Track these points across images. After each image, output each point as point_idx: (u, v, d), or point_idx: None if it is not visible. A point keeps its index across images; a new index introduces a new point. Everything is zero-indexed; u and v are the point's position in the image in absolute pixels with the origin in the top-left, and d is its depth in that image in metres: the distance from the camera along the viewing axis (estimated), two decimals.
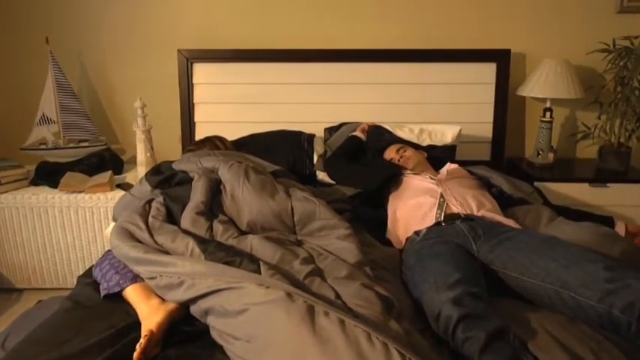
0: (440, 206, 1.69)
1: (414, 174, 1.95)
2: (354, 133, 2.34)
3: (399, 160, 2.10)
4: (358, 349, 0.92)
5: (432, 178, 1.88)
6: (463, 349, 1.10)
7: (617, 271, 1.19)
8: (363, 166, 2.17)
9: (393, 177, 1.96)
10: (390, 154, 2.16)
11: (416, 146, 2.26)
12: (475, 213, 1.66)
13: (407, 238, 1.65)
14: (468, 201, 1.72)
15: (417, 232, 1.61)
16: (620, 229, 1.76)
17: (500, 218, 1.67)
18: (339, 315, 0.99)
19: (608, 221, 1.79)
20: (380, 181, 1.93)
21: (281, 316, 0.99)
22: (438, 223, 1.62)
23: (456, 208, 1.68)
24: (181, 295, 1.17)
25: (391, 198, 1.91)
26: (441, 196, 1.74)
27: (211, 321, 1.12)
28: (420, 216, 1.69)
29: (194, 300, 1.16)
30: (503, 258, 1.39)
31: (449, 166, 2.05)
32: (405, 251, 1.59)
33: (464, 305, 1.16)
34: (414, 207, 1.75)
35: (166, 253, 1.34)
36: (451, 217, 1.62)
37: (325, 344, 0.93)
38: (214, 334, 1.12)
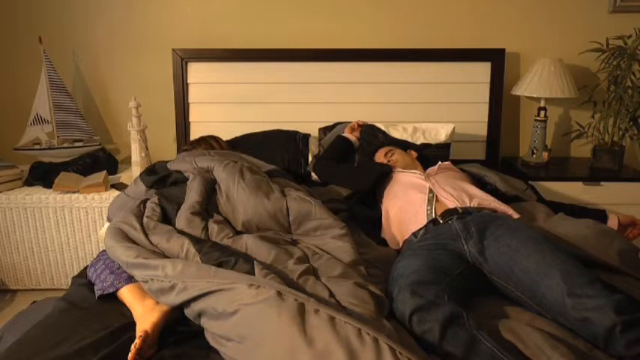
0: (429, 201, 1.69)
1: (403, 171, 1.96)
2: (342, 134, 2.34)
3: (388, 162, 2.09)
4: (349, 345, 0.93)
5: (419, 174, 1.89)
6: (422, 341, 1.12)
7: (580, 297, 1.16)
8: (352, 166, 2.16)
9: (384, 176, 1.96)
10: (379, 158, 2.15)
11: (408, 145, 2.26)
12: (469, 203, 1.66)
13: (404, 240, 1.65)
14: (458, 191, 1.71)
15: (414, 234, 1.61)
16: (612, 221, 1.77)
17: (496, 204, 1.67)
18: (329, 312, 1.00)
19: (600, 215, 1.80)
20: (372, 181, 1.93)
21: (272, 316, 0.99)
22: (434, 221, 1.61)
23: (447, 201, 1.67)
24: (173, 299, 1.17)
25: (384, 196, 1.91)
26: (430, 191, 1.74)
27: (204, 323, 1.12)
28: (413, 213, 1.69)
29: (187, 303, 1.16)
30: (491, 263, 1.38)
31: (440, 164, 2.05)
32: (401, 253, 1.59)
33: (414, 295, 1.18)
34: (405, 205, 1.74)
35: (160, 254, 1.34)
36: (449, 214, 1.60)
37: (316, 342, 0.94)
38: (208, 337, 1.12)
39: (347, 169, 2.12)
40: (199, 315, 1.14)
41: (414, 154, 2.18)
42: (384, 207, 1.86)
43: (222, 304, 1.06)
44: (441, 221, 1.59)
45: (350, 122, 2.43)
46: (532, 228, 1.50)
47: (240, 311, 1.03)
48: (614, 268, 1.45)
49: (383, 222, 1.82)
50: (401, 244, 1.67)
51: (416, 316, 1.14)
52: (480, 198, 1.69)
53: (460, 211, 1.60)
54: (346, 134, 2.32)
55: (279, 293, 1.04)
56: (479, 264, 1.41)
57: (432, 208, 1.66)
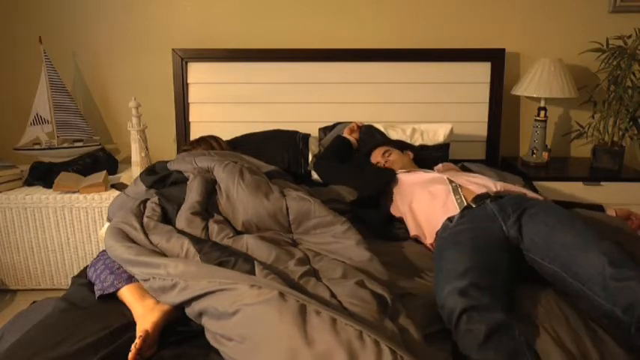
0: (455, 191, 1.68)
1: (407, 172, 1.95)
2: (341, 134, 2.33)
3: (384, 164, 2.09)
4: (350, 347, 0.93)
5: (427, 170, 1.88)
6: (464, 340, 1.11)
7: (621, 267, 1.19)
8: (353, 167, 2.15)
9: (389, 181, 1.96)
10: (377, 157, 2.15)
11: (405, 145, 2.26)
12: (493, 189, 1.65)
13: (437, 232, 1.63)
14: (477, 179, 1.72)
15: (450, 219, 1.59)
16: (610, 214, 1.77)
17: (521, 189, 1.68)
18: (330, 314, 1.00)
19: (598, 209, 1.80)
20: (378, 188, 1.92)
21: (273, 316, 0.99)
22: (468, 207, 1.60)
23: (474, 187, 1.67)
24: (174, 297, 1.17)
25: (394, 196, 1.89)
26: (450, 181, 1.73)
27: (205, 322, 1.12)
28: (440, 205, 1.67)
29: (188, 302, 1.16)
30: (527, 240, 1.40)
31: (443, 164, 2.05)
32: (437, 239, 1.59)
33: (468, 296, 1.17)
34: (429, 197, 1.72)
35: (161, 253, 1.34)
36: (480, 198, 1.60)
37: (317, 343, 0.94)
38: (208, 336, 1.11)
39: (348, 171, 2.10)
40: (200, 314, 1.14)
41: (411, 154, 2.18)
42: (403, 205, 1.83)
43: (223, 303, 1.06)
44: (474, 206, 1.58)
45: (350, 122, 2.43)
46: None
47: (242, 311, 1.03)
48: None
49: (409, 221, 1.78)
50: (434, 237, 1.65)
51: (466, 315, 1.13)
52: (503, 184, 1.69)
53: (492, 194, 1.60)
54: (346, 135, 2.32)
55: (281, 294, 1.03)
56: (517, 243, 1.42)
57: (460, 197, 1.65)
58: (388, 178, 1.95)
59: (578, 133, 2.65)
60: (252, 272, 1.19)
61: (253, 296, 1.04)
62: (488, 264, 1.32)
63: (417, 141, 2.35)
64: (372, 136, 2.33)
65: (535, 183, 2.32)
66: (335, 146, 2.27)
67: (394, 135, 2.36)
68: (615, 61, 2.46)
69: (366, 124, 2.41)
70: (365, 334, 0.95)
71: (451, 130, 2.38)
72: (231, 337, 1.04)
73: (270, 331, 0.98)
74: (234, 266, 1.23)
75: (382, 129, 2.37)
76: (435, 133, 2.37)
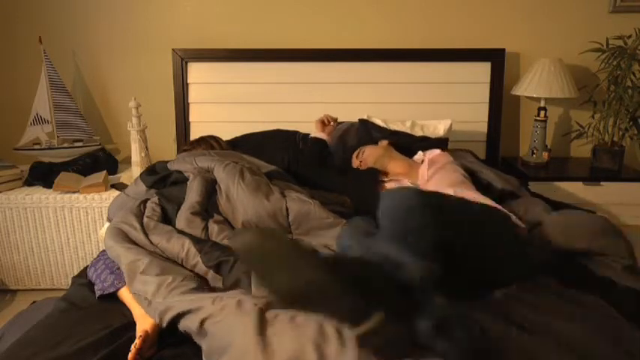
0: None
1: (390, 180, 1.93)
2: (316, 136, 2.29)
3: (360, 164, 2.08)
4: (314, 342, 0.92)
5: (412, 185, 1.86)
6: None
7: None
8: (344, 178, 2.12)
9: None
10: (355, 163, 2.14)
11: (407, 137, 2.26)
12: None
13: None
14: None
15: None
16: None
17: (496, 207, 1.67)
18: (289, 313, 0.99)
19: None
20: (371, 202, 1.89)
21: (238, 328, 0.98)
22: None
23: None
24: (159, 321, 1.16)
25: None
26: None
27: (195, 340, 1.11)
28: None
29: (172, 324, 1.14)
30: None
31: (430, 155, 2.02)
32: None
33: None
34: None
35: (161, 256, 1.34)
36: None
37: (282, 350, 0.92)
38: (204, 356, 1.11)
39: (340, 182, 2.06)
40: (187, 333, 1.13)
41: (384, 142, 2.16)
42: None
43: (194, 323, 1.06)
44: None
45: (349, 122, 2.42)
46: None
47: (211, 328, 1.03)
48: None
49: None
50: None
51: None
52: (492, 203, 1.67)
53: None
54: (319, 135, 2.29)
55: (238, 302, 1.03)
56: None
57: None
58: (373, 183, 1.92)
59: (578, 133, 2.65)
60: (249, 271, 1.19)
61: (217, 311, 1.04)
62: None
63: (418, 134, 2.34)
64: (367, 133, 2.32)
65: (535, 183, 2.32)
66: (315, 152, 2.23)
67: (394, 128, 2.35)
68: (615, 61, 2.46)
69: (334, 117, 2.41)
70: (325, 325, 0.94)
71: (450, 125, 2.37)
72: (209, 354, 1.03)
73: (238, 345, 0.96)
74: (232, 266, 1.23)
75: (381, 122, 2.36)
76: (434, 128, 2.36)
